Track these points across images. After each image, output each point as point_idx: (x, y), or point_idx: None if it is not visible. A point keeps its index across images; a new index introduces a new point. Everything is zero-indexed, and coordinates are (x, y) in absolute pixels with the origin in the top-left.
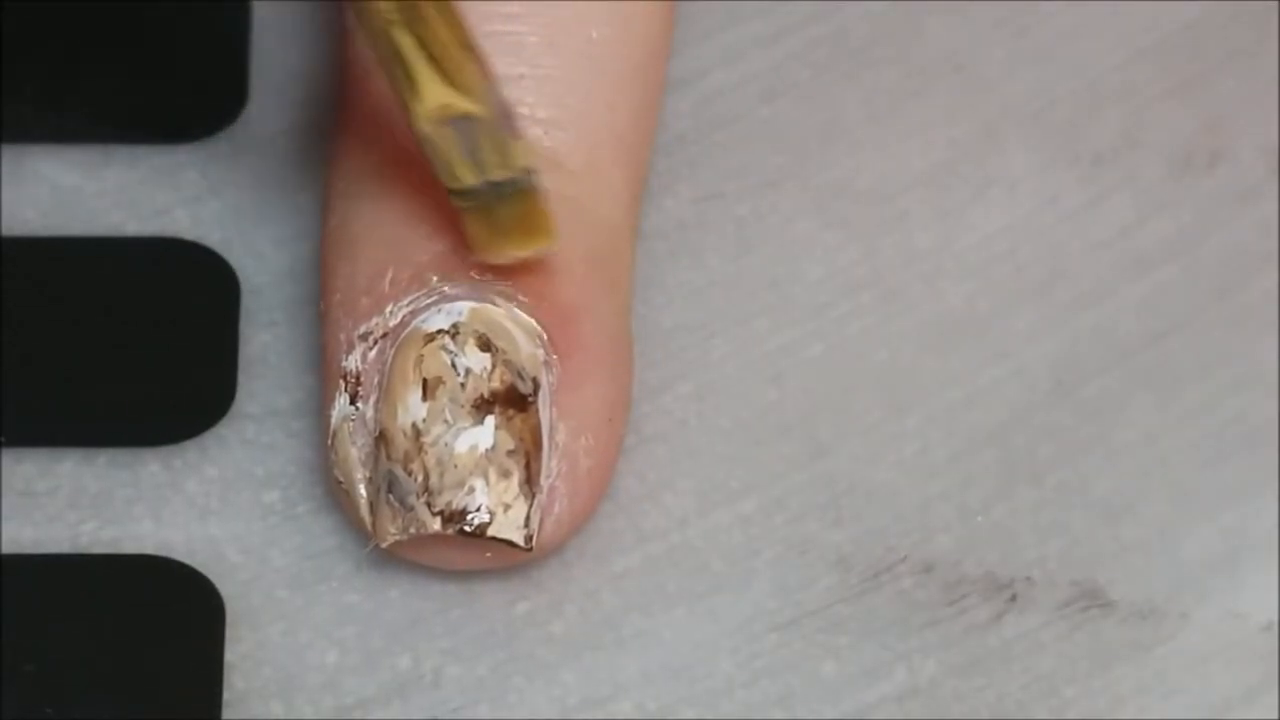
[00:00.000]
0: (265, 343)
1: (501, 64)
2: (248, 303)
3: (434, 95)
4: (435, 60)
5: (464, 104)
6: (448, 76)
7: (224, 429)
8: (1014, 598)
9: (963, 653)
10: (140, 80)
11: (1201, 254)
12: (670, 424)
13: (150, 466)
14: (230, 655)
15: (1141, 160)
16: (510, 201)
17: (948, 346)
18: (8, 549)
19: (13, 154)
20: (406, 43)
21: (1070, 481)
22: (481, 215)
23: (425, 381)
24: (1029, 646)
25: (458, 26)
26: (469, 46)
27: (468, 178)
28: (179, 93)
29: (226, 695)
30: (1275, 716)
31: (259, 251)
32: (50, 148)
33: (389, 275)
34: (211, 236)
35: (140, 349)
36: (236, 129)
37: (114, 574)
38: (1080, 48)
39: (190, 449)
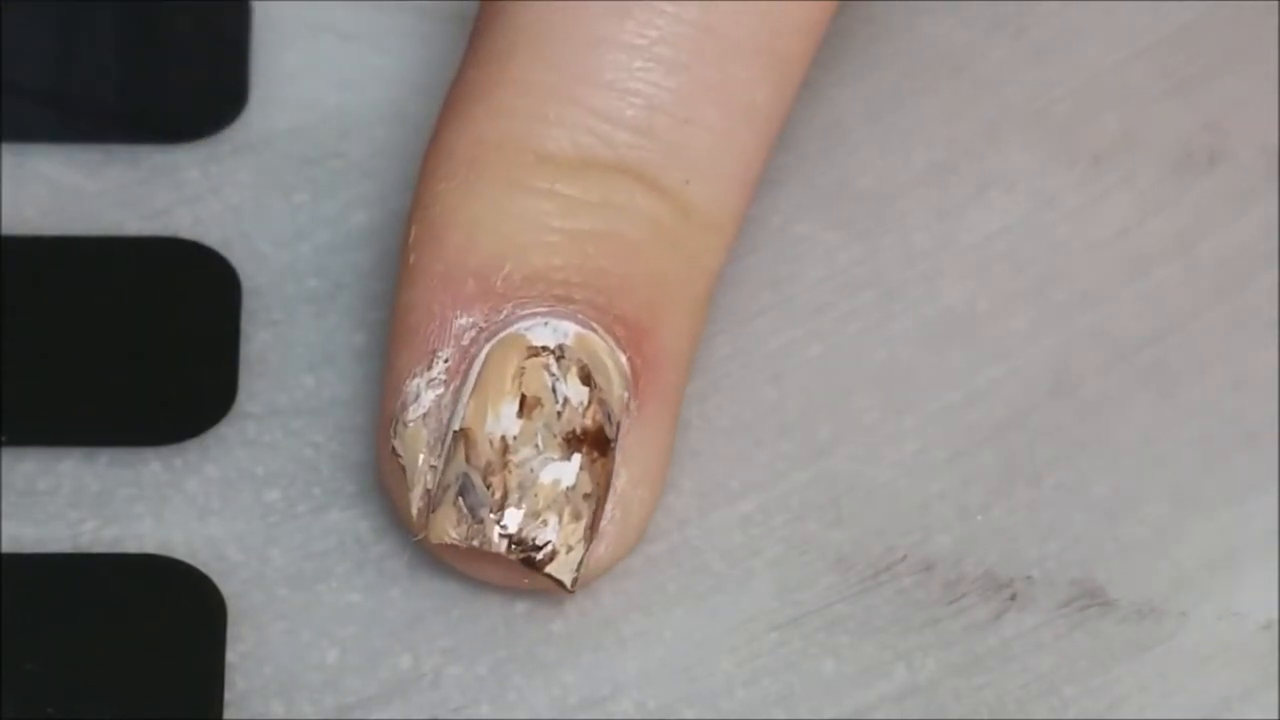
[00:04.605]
0: (266, 342)
1: (672, 103)
2: (248, 302)
3: None
4: None
5: None
6: None
7: (225, 428)
8: (1014, 597)
9: (962, 652)
10: (140, 80)
11: (1201, 254)
12: None
13: (151, 465)
14: (231, 654)
15: (1141, 160)
16: None
17: (948, 346)
18: (8, 548)
19: (13, 154)
20: None
21: (1070, 481)
22: None
23: (524, 398)
24: (1029, 646)
25: None
26: None
27: None
28: (179, 93)
29: (228, 694)
30: (1275, 716)
31: (259, 251)
32: (50, 147)
33: (505, 269)
34: (212, 236)
35: (141, 349)
36: (236, 129)
37: (115, 573)
38: (1080, 48)
39: (191, 448)
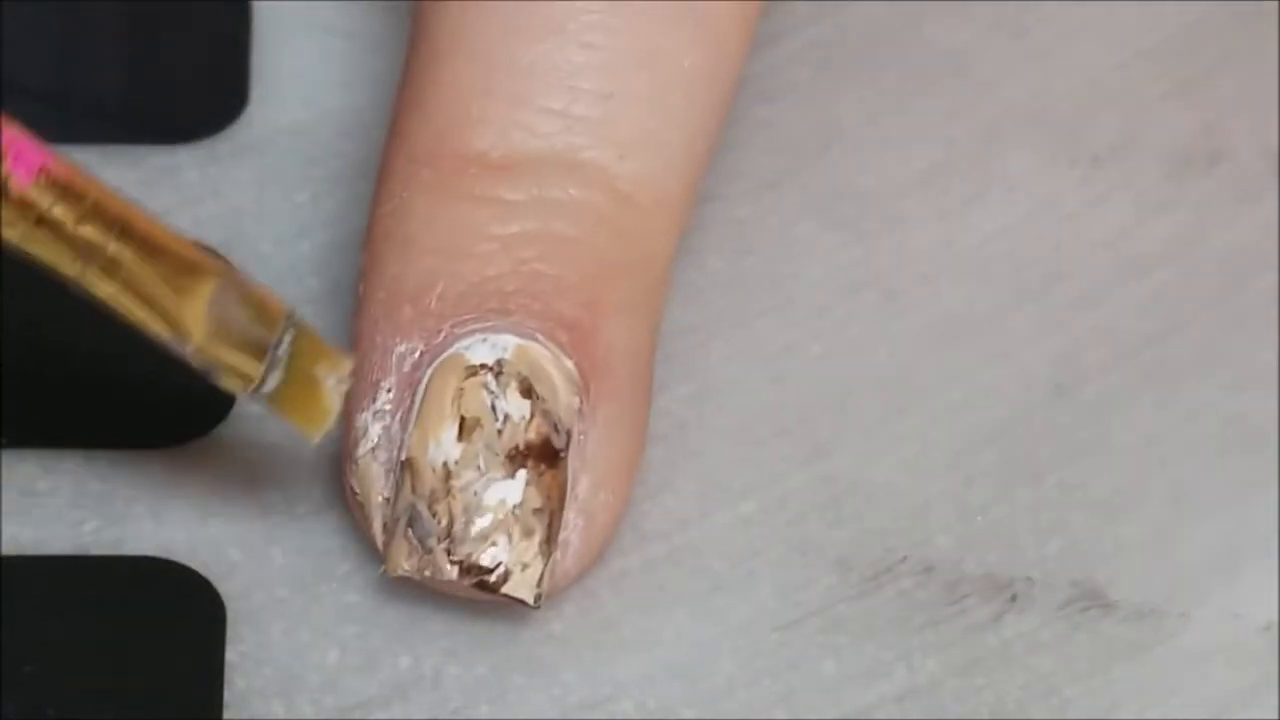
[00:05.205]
0: None
1: (592, 79)
2: None
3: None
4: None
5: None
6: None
7: (225, 429)
8: (1014, 598)
9: (963, 653)
10: (140, 80)
11: (1201, 254)
12: (670, 425)
13: (151, 466)
14: (231, 655)
15: (1141, 160)
16: (294, 360)
17: (948, 346)
18: (8, 549)
19: None
20: (113, 291)
21: (1070, 481)
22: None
23: (463, 420)
24: (1029, 646)
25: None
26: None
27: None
28: (179, 93)
29: (227, 695)
30: (1275, 717)
31: (259, 251)
32: (50, 147)
33: (438, 289)
34: (212, 236)
35: (141, 349)
36: (236, 129)
37: (115, 574)
38: (1080, 48)
39: (192, 449)
